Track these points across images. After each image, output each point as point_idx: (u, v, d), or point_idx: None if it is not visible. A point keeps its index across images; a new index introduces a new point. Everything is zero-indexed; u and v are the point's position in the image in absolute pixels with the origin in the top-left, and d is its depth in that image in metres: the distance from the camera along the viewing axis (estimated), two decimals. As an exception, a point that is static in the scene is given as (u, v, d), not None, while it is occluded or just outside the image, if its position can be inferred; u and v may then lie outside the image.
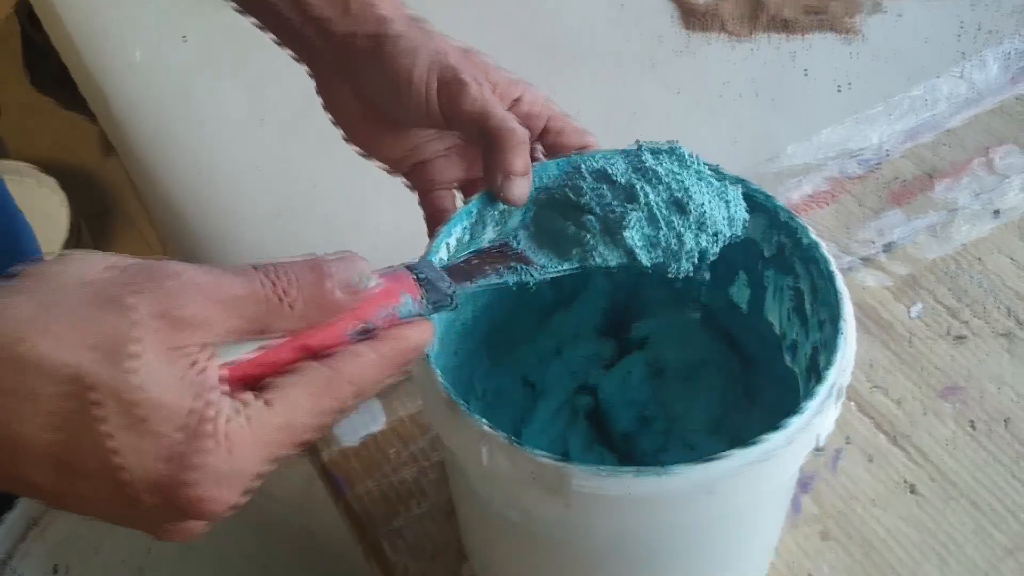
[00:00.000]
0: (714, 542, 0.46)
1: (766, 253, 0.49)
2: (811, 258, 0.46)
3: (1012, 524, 0.56)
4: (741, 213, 0.46)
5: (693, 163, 0.46)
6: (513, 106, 0.49)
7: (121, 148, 0.86)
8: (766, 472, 0.38)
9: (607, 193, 0.46)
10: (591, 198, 0.46)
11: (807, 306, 0.47)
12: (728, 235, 0.45)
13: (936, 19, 0.86)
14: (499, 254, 0.46)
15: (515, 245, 0.46)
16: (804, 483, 0.58)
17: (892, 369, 0.63)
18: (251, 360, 0.36)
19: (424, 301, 0.40)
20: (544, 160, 0.50)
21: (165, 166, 0.81)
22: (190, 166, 0.81)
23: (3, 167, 1.59)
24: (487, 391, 0.55)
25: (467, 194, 0.54)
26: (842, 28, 0.85)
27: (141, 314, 0.32)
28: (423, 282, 0.41)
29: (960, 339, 0.64)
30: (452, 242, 0.47)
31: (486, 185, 0.47)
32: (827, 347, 0.43)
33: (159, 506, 0.33)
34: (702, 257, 0.45)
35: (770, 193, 0.48)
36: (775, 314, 0.51)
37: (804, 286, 0.47)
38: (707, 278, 0.54)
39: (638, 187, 0.45)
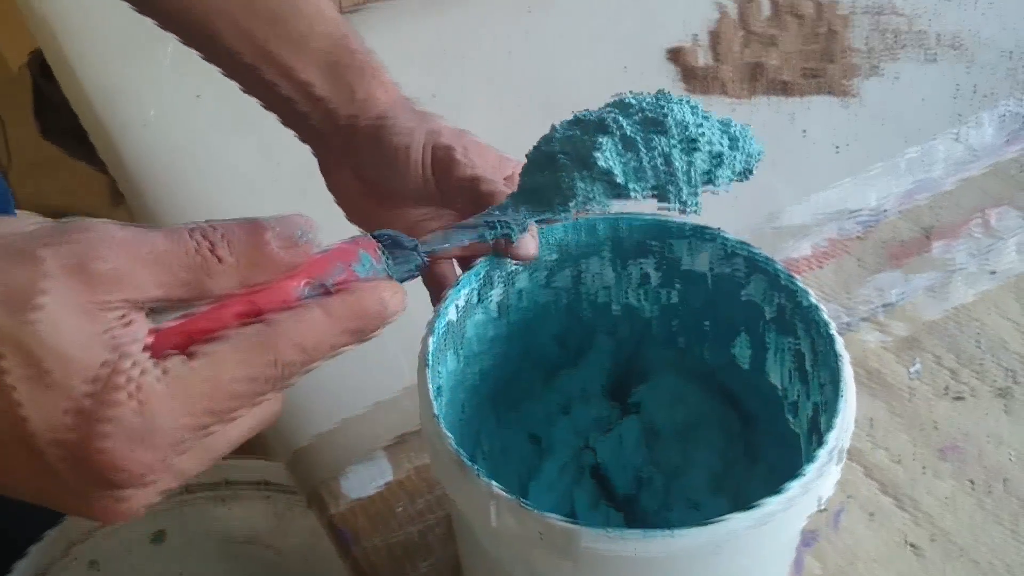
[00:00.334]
0: (719, 601, 0.47)
1: (767, 314, 0.50)
2: (811, 320, 0.47)
3: (1012, 583, 0.57)
4: (751, 143, 0.44)
5: (685, 99, 0.44)
6: (506, 181, 0.50)
7: (133, 203, 0.88)
8: (770, 532, 0.39)
9: (578, 133, 0.45)
10: (562, 143, 0.45)
11: (808, 366, 0.48)
12: (732, 159, 0.43)
13: (932, 82, 0.88)
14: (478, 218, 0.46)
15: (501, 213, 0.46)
16: (807, 541, 0.59)
17: (892, 427, 0.64)
18: (185, 321, 0.34)
19: (384, 257, 0.39)
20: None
21: (177, 222, 0.82)
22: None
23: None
24: (494, 448, 0.56)
25: (466, 269, 0.55)
26: (840, 90, 0.87)
27: (51, 267, 0.31)
28: (383, 240, 0.39)
29: (958, 398, 0.65)
30: (461, 302, 0.48)
31: (494, 246, 0.48)
32: (828, 408, 0.44)
33: (73, 469, 0.32)
34: (709, 183, 0.43)
35: (769, 252, 0.49)
36: (777, 373, 0.51)
37: (805, 347, 0.48)
38: (708, 330, 0.54)
39: (607, 116, 0.44)
